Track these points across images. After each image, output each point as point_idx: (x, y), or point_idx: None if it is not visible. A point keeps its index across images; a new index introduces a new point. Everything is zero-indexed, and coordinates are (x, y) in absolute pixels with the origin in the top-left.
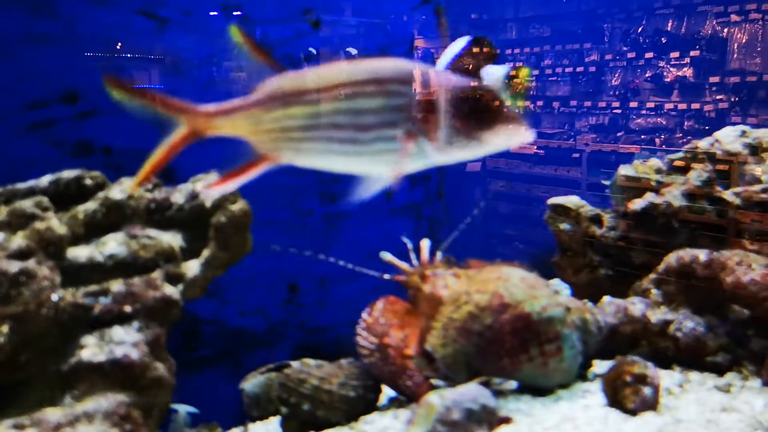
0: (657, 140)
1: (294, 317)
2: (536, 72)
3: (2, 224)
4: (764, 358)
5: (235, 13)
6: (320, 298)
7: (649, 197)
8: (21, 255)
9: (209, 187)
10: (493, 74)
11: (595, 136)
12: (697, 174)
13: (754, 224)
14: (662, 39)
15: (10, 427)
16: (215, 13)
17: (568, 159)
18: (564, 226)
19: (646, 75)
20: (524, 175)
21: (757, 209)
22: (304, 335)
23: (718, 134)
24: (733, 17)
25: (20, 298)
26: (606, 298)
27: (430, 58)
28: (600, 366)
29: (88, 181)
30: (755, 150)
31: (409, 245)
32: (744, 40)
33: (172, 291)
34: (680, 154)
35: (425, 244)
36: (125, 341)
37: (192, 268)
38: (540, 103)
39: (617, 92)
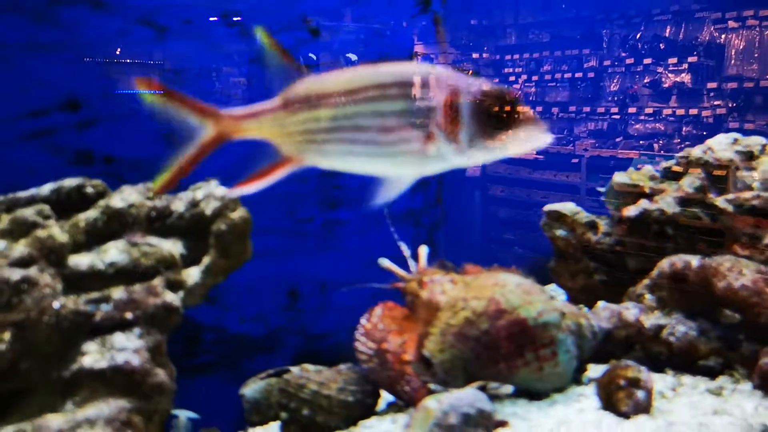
0: (655, 146)
1: (294, 323)
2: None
3: (4, 232)
4: (755, 362)
5: (235, 18)
6: (320, 305)
7: (643, 204)
8: (23, 263)
9: (235, 188)
10: None
11: (593, 142)
12: (690, 181)
13: (746, 230)
14: (660, 45)
15: None
16: (215, 18)
17: (568, 164)
18: (560, 232)
19: (645, 81)
20: (524, 180)
21: (748, 215)
22: (304, 341)
23: (710, 142)
24: (731, 24)
25: (22, 306)
26: (600, 303)
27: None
28: (595, 370)
29: (89, 190)
30: (747, 157)
31: (406, 251)
32: (741, 47)
33: (173, 298)
34: (673, 162)
35: (423, 250)
36: (126, 348)
37: (192, 275)
38: (539, 108)
39: (616, 98)
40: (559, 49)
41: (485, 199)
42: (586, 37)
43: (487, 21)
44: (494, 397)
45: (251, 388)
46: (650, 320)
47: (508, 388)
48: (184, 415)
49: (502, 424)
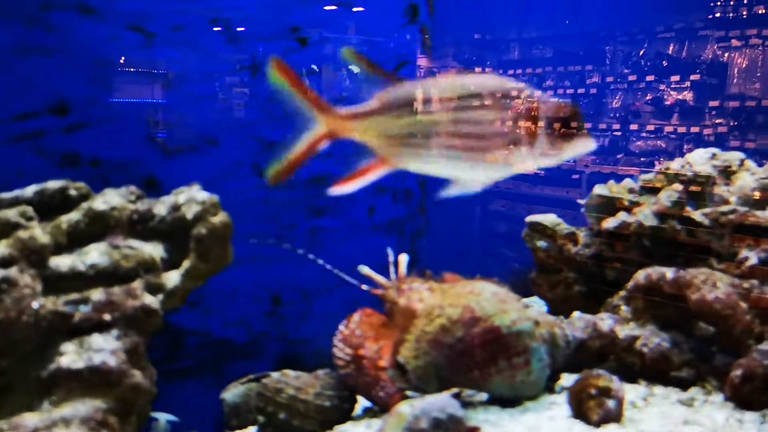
0: (656, 163)
1: (276, 329)
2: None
3: None
4: (727, 374)
5: (233, 35)
6: (302, 311)
7: (622, 216)
8: (3, 263)
9: (334, 187)
10: None
11: (594, 158)
12: (668, 195)
13: (722, 244)
14: (663, 62)
15: None
16: (208, 33)
17: (568, 180)
18: (540, 243)
19: (647, 98)
20: (524, 195)
21: (724, 229)
22: (286, 347)
23: (689, 156)
24: (734, 42)
25: (1, 306)
26: (576, 314)
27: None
28: (568, 379)
29: (73, 192)
30: (725, 172)
31: (392, 257)
32: (744, 66)
33: (152, 300)
34: (652, 175)
35: (403, 258)
36: (104, 349)
37: (172, 278)
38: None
39: (618, 114)
40: (561, 64)
41: (482, 212)
42: (589, 53)
43: (490, 35)
44: (468, 404)
45: (231, 393)
46: (624, 331)
47: (483, 396)
48: (163, 417)
49: (474, 430)
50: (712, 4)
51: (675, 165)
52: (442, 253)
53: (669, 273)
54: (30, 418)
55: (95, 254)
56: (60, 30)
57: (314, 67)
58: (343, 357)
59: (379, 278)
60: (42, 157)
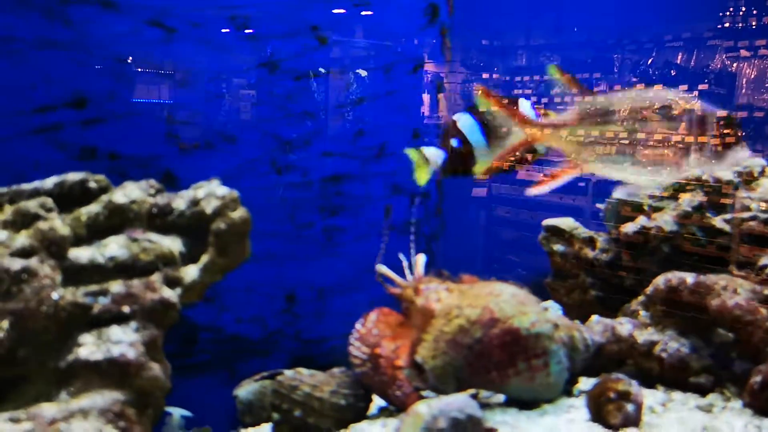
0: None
1: (290, 327)
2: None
3: (6, 223)
4: (746, 381)
5: (247, 31)
6: (317, 309)
7: (641, 221)
8: (23, 253)
9: (532, 188)
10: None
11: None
12: (689, 200)
13: (742, 250)
14: (672, 71)
15: (6, 420)
16: (227, 30)
17: (575, 187)
18: (557, 247)
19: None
20: (530, 201)
21: (745, 236)
22: (300, 345)
23: None
24: (743, 53)
25: (21, 295)
26: (594, 318)
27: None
28: (586, 383)
29: (92, 184)
30: (747, 178)
31: (405, 262)
32: (753, 76)
33: (170, 294)
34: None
35: (420, 258)
36: (122, 341)
37: (190, 272)
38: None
39: (625, 122)
40: (569, 72)
41: (489, 217)
42: (597, 61)
43: (498, 42)
44: (485, 406)
45: (245, 390)
46: (643, 336)
47: (500, 398)
48: (177, 412)
49: (492, 431)
50: (720, 14)
51: (696, 170)
52: (458, 254)
53: (689, 278)
54: (48, 409)
55: (114, 247)
56: (79, 24)
57: (321, 69)
58: (359, 355)
59: (396, 278)
60: (60, 150)
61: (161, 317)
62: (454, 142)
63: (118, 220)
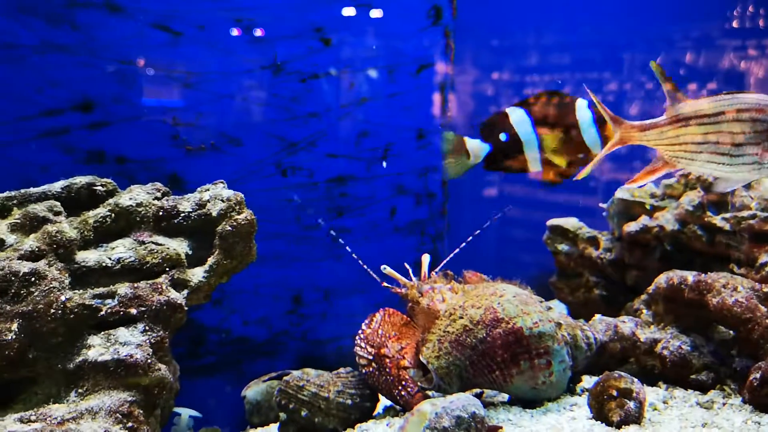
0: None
1: (297, 328)
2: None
3: (15, 226)
4: (746, 377)
5: (252, 34)
6: (323, 311)
7: (643, 220)
8: (32, 256)
9: (628, 183)
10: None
11: (611, 165)
12: (690, 199)
13: (742, 248)
14: (680, 71)
15: (17, 420)
16: (233, 32)
17: (584, 187)
18: (562, 247)
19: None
20: (540, 201)
21: (744, 234)
22: (307, 346)
23: None
24: (751, 52)
25: (30, 298)
26: (597, 316)
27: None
28: (589, 381)
29: (99, 188)
30: None
31: (408, 268)
32: (761, 75)
33: (177, 296)
34: (673, 180)
35: (425, 258)
36: (130, 342)
37: (197, 274)
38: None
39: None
40: (579, 71)
41: (500, 218)
42: (606, 60)
43: (508, 41)
44: (489, 405)
45: (253, 390)
46: (645, 334)
47: (504, 397)
48: (186, 413)
49: (495, 429)
50: (728, 13)
51: None
52: (464, 255)
53: (690, 277)
54: (57, 409)
55: (121, 249)
56: (85, 28)
57: (330, 71)
58: (365, 356)
59: (401, 278)
60: (67, 153)
61: (168, 319)
62: (502, 136)
63: (125, 223)
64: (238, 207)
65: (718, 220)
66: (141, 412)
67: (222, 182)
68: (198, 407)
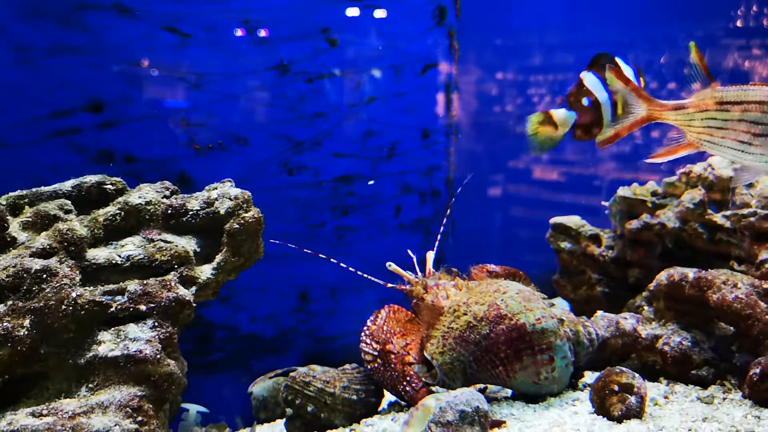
0: (677, 170)
1: (304, 325)
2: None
3: (27, 224)
4: (746, 373)
5: (259, 35)
6: (330, 308)
7: (645, 218)
8: (43, 254)
9: (651, 158)
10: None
11: (615, 165)
12: (690, 197)
13: (742, 246)
14: (685, 70)
15: (29, 414)
16: (240, 33)
17: (589, 187)
18: (564, 244)
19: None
20: (544, 201)
21: (745, 232)
22: (313, 343)
23: (711, 159)
24: (755, 51)
25: (41, 294)
26: (599, 313)
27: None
28: (591, 377)
29: (109, 187)
30: None
31: (412, 256)
32: (765, 74)
33: (185, 292)
34: (675, 178)
35: (429, 255)
36: (139, 338)
37: (205, 271)
38: None
39: None
40: (582, 71)
41: (501, 215)
42: (610, 59)
43: (511, 41)
44: (492, 400)
45: (259, 387)
46: (647, 330)
47: (507, 392)
48: (194, 408)
49: (499, 423)
50: (733, 13)
51: (698, 169)
52: (468, 253)
53: (690, 274)
54: (68, 404)
55: (131, 247)
56: (95, 30)
57: (336, 71)
58: (370, 352)
59: (406, 274)
60: (78, 153)
61: (177, 315)
62: (584, 101)
63: (134, 221)
64: (245, 205)
65: (718, 218)
66: (150, 406)
67: (230, 181)
68: (205, 403)
